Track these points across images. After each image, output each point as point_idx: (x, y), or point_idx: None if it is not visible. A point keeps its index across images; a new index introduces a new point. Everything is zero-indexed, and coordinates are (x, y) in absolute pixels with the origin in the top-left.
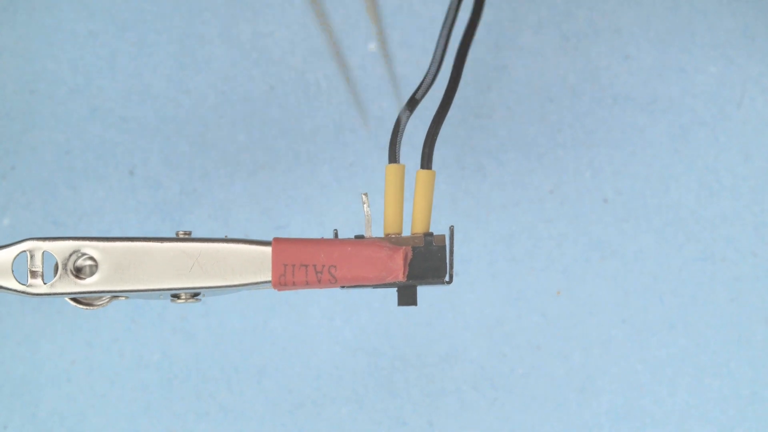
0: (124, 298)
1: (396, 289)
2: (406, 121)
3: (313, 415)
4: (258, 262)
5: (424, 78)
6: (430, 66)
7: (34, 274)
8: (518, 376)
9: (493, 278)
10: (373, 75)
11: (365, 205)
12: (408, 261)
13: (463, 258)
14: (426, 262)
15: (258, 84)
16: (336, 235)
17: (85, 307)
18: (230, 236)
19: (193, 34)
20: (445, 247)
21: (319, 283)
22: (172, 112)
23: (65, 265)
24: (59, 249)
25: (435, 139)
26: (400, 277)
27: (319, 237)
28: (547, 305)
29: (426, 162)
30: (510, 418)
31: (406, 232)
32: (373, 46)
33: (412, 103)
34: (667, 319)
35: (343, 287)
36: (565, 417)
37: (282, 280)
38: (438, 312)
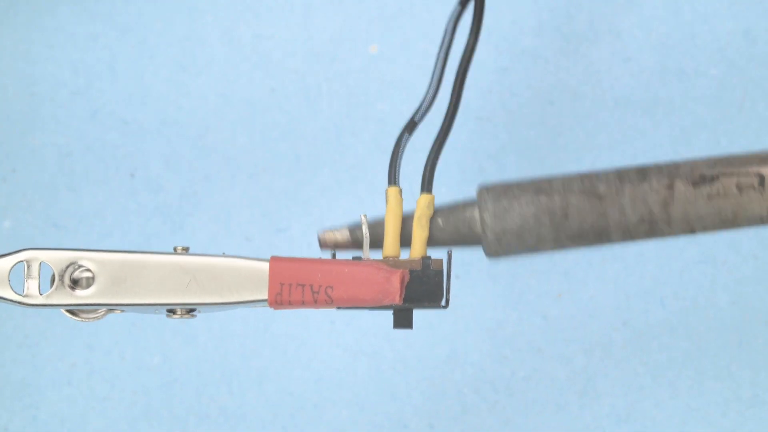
0: (119, 311)
1: (392, 311)
2: (405, 143)
3: (314, 418)
4: (255, 280)
5: (423, 100)
6: (428, 88)
7: (30, 284)
8: (519, 378)
9: (493, 281)
10: (373, 77)
11: (364, 227)
12: (405, 284)
13: (464, 261)
14: (423, 286)
15: (258, 87)
16: (334, 255)
17: (80, 319)
18: (228, 251)
19: (194, 36)
20: (442, 271)
21: (316, 303)
22: (172, 115)
23: (62, 277)
24: (56, 260)
25: (435, 163)
26: (397, 300)
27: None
28: (548, 308)
29: (426, 186)
30: (511, 421)
31: (405, 255)
32: (373, 48)
33: (411, 126)
34: (668, 322)
35: (339, 308)
36: (566, 420)
37: (278, 299)
38: (439, 315)
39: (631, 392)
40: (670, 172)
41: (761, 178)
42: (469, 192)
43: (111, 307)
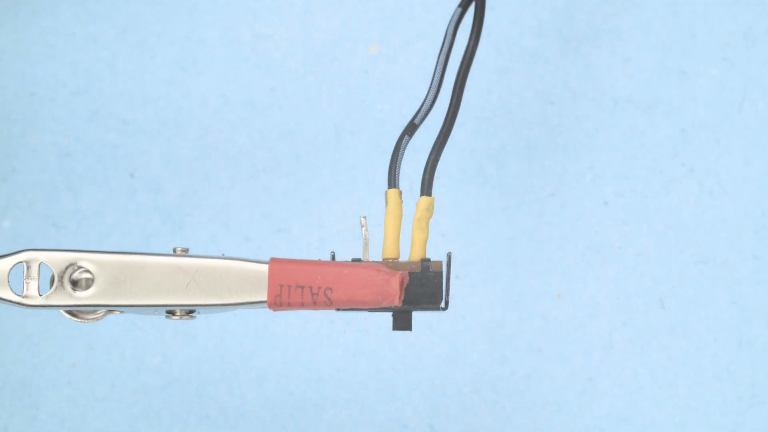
0: (118, 312)
1: (391, 313)
2: (405, 146)
3: (314, 418)
4: (254, 282)
5: (423, 103)
6: (428, 91)
7: (30, 285)
8: (519, 378)
9: (493, 281)
10: (373, 77)
11: (363, 229)
12: (404, 286)
13: (464, 261)
14: (422, 288)
15: (258, 87)
16: (333, 257)
17: (79, 320)
18: (227, 251)
19: (194, 37)
20: (441, 273)
21: (315, 304)
22: (172, 115)
23: (61, 278)
24: (56, 261)
25: (435, 166)
26: (396, 302)
27: (318, 239)
28: (547, 308)
29: (426, 188)
30: (511, 421)
31: (404, 257)
32: (373, 48)
33: (411, 128)
34: (668, 322)
35: (338, 309)
36: (565, 420)
37: (277, 301)
38: (438, 315)
39: (631, 392)
40: None
41: None
42: (469, 192)
43: (110, 308)
